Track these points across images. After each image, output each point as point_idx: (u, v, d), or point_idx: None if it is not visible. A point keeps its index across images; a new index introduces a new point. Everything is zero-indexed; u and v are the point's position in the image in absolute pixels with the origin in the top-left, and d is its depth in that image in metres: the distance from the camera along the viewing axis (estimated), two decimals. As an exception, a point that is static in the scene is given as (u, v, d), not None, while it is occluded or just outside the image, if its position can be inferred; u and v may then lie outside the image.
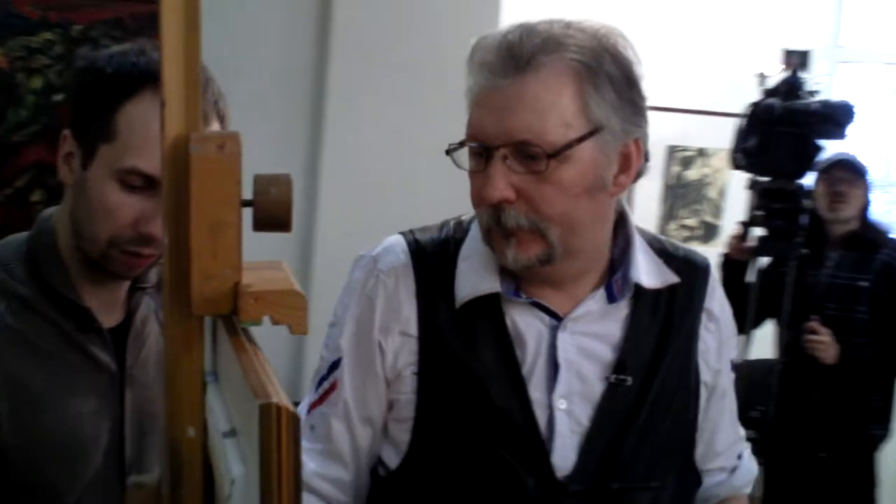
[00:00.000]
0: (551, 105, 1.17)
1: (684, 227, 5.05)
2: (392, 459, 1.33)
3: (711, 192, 5.15)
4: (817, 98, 3.18)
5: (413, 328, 1.31)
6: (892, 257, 3.52)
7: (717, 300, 1.41)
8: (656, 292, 1.33)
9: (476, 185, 1.23)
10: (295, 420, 0.53)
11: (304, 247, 3.29)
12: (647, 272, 1.33)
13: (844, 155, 3.50)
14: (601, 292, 1.32)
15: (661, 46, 4.78)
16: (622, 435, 1.30)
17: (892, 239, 3.60)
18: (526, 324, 1.30)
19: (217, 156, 0.67)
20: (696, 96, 4.61)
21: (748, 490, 1.53)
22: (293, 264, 3.29)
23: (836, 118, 3.10)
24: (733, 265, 3.43)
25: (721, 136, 4.21)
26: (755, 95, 3.52)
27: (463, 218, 1.39)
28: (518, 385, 1.28)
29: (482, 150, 1.20)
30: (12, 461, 1.24)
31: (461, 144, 1.22)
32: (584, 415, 1.29)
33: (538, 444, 1.27)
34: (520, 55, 1.18)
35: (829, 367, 3.35)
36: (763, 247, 3.35)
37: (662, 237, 1.44)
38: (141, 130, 1.21)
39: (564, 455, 1.28)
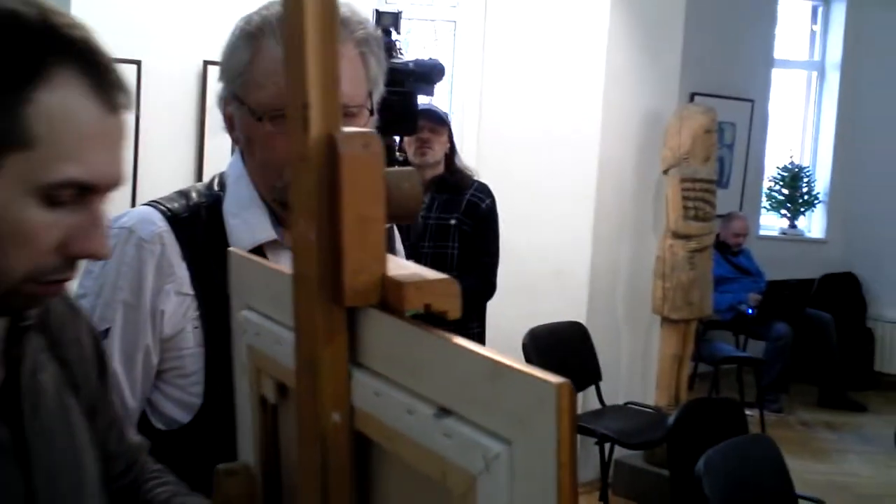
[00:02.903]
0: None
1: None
2: (182, 416, 1.41)
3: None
4: (407, 58, 3.34)
5: (188, 287, 1.40)
6: (476, 197, 3.87)
7: None
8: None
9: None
10: (574, 393, 0.56)
11: None
12: None
13: (425, 105, 3.71)
14: None
15: None
16: None
17: (475, 180, 3.95)
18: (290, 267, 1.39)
19: (364, 154, 0.69)
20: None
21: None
22: None
23: (429, 76, 3.28)
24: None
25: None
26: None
27: (202, 184, 1.52)
28: None
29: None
30: None
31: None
32: None
33: None
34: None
35: None
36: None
37: None
38: (68, 128, 0.91)
39: None
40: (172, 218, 1.43)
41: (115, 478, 1.24)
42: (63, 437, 1.06)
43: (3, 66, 0.89)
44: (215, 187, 1.51)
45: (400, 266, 0.73)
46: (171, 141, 4.57)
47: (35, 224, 0.92)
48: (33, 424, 1.01)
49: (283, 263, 1.39)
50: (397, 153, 3.42)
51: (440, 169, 3.88)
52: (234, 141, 1.50)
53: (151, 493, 1.26)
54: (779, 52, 8.01)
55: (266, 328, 0.90)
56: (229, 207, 1.46)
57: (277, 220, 1.46)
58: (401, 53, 3.33)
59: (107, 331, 1.37)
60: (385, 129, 3.28)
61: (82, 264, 1.04)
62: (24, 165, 0.90)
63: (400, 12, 3.33)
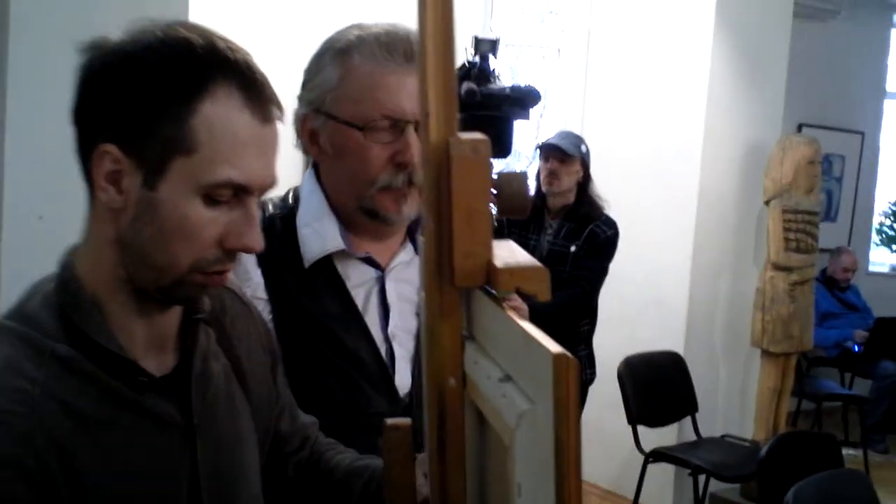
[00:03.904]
0: None
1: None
2: None
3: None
4: (503, 83, 3.41)
5: (262, 292, 1.51)
6: (600, 228, 3.98)
7: None
8: None
9: (386, 151, 1.48)
10: (576, 365, 0.64)
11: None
12: None
13: (556, 139, 4.00)
14: (408, 245, 1.62)
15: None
16: None
17: (604, 214, 4.09)
18: (358, 276, 1.57)
19: (472, 156, 0.80)
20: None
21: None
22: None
23: (524, 101, 3.34)
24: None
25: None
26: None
27: (277, 197, 1.62)
28: (362, 326, 1.54)
29: (395, 123, 1.46)
30: None
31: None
32: (409, 344, 1.58)
33: (385, 371, 1.55)
34: (409, 50, 1.46)
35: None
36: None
37: None
38: (227, 136, 1.03)
39: (402, 377, 1.56)
40: None
41: (291, 454, 1.41)
42: (227, 421, 1.19)
43: (175, 83, 1.02)
44: (290, 200, 1.61)
45: (506, 253, 0.83)
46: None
47: (198, 220, 1.04)
48: (200, 407, 1.14)
49: (350, 272, 1.55)
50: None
51: (570, 198, 4.07)
52: (315, 156, 1.57)
53: (333, 460, 1.42)
54: (891, 84, 7.83)
55: None
56: (303, 218, 1.56)
57: (347, 232, 1.56)
58: (498, 80, 3.40)
59: None
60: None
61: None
62: (188, 168, 1.02)
63: (498, 39, 3.40)
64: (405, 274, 1.59)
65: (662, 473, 4.88)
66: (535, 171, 4.15)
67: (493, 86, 3.31)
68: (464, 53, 3.42)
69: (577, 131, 5.17)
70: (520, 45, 5.90)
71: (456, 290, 0.83)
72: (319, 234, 1.54)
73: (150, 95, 1.02)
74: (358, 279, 1.56)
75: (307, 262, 1.53)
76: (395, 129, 1.47)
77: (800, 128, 6.67)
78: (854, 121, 7.44)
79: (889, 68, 7.78)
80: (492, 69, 3.37)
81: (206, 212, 1.04)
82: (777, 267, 5.10)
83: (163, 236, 1.04)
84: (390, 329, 1.56)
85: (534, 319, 3.09)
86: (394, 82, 1.47)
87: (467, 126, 3.01)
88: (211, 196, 1.04)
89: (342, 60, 1.49)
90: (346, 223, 1.56)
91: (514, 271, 0.78)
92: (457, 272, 0.80)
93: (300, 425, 1.42)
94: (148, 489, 1.07)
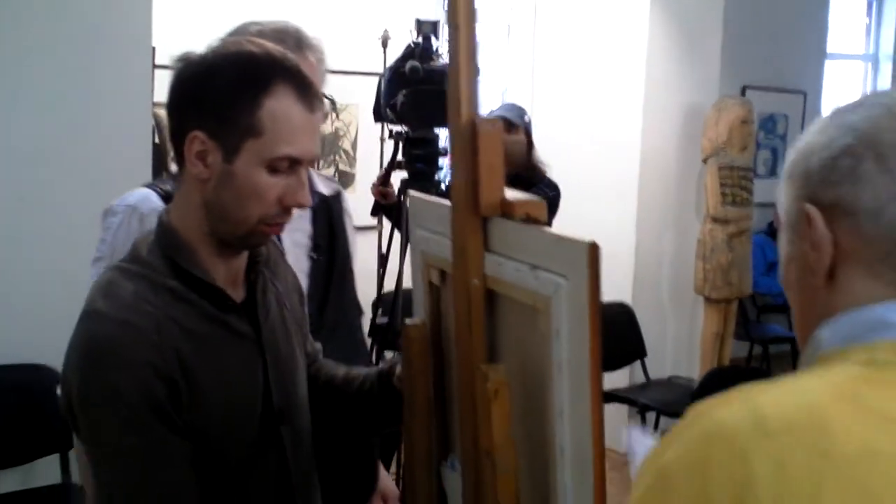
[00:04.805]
0: None
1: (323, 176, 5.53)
2: None
3: (345, 144, 5.66)
4: (445, 60, 3.77)
5: None
6: (542, 190, 4.31)
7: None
8: (324, 198, 2.03)
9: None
10: (600, 249, 1.01)
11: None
12: (322, 185, 2.01)
13: (501, 111, 4.26)
14: None
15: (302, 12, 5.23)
16: (326, 288, 2.16)
17: (546, 177, 4.41)
18: None
19: (491, 129, 1.19)
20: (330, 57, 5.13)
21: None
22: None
23: (463, 77, 3.71)
24: (380, 207, 3.99)
25: (349, 92, 4.73)
26: (378, 58, 4.07)
27: None
28: None
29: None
30: (195, 432, 1.40)
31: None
32: (304, 282, 1.90)
33: None
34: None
35: None
36: (407, 187, 3.88)
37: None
38: (285, 121, 1.40)
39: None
40: (166, 197, 1.86)
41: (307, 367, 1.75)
42: (282, 336, 1.59)
43: (246, 84, 1.40)
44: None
45: (514, 194, 1.21)
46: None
47: (264, 185, 1.41)
48: (265, 326, 1.54)
49: None
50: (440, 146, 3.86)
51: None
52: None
53: (332, 372, 1.79)
54: (831, 45, 8.19)
55: (434, 238, 1.42)
56: None
57: None
58: (440, 58, 3.75)
59: None
60: (423, 121, 3.74)
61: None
62: (257, 147, 1.40)
63: (438, 21, 3.77)
64: (297, 224, 1.94)
65: (617, 413, 5.29)
66: None
67: (434, 63, 3.67)
68: (408, 35, 3.78)
69: (527, 102, 5.56)
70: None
71: (479, 218, 1.21)
72: None
73: (228, 94, 1.39)
74: None
75: None
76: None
77: (744, 90, 7.01)
78: (797, 81, 7.78)
79: (829, 29, 8.12)
80: (434, 48, 3.73)
81: (269, 179, 1.41)
82: (715, 220, 5.52)
83: (238, 198, 1.42)
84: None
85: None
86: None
87: (412, 100, 3.40)
88: (273, 167, 1.40)
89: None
90: None
91: (522, 203, 1.17)
92: (482, 205, 1.19)
93: (312, 348, 1.79)
94: (236, 382, 1.47)
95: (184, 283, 1.44)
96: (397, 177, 3.69)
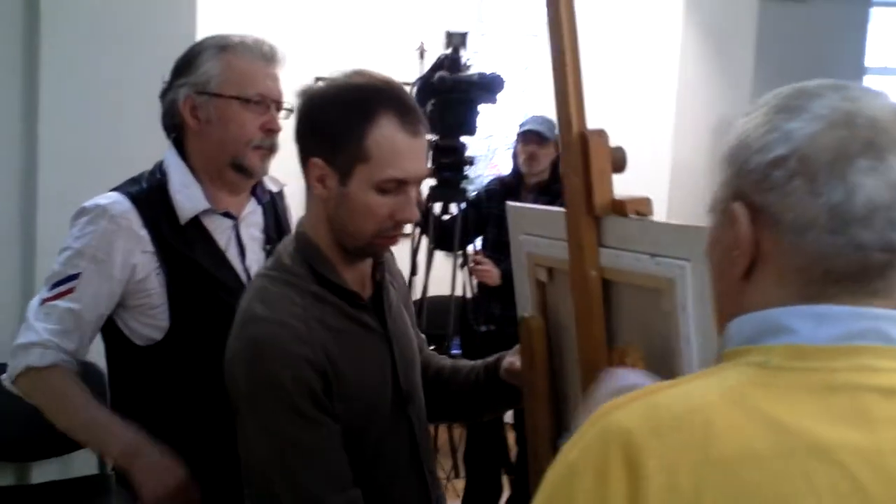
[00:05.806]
0: None
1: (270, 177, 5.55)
2: (156, 335, 1.94)
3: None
4: (473, 71, 3.85)
5: (150, 246, 1.93)
6: None
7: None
8: (273, 194, 2.15)
9: (258, 120, 1.95)
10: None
11: (27, 211, 3.41)
12: (271, 183, 2.14)
13: (534, 124, 4.29)
14: (252, 199, 2.09)
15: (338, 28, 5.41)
16: None
17: None
18: (219, 226, 2.01)
19: (599, 139, 1.39)
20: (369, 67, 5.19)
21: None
22: (14, 229, 3.40)
23: (490, 87, 3.79)
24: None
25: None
26: (416, 68, 4.12)
27: (146, 172, 2.02)
28: (227, 263, 1.99)
29: (264, 100, 1.94)
30: (343, 414, 1.58)
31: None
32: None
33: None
34: (269, 52, 2.00)
35: (499, 287, 4.10)
36: (434, 194, 4.03)
37: None
38: (389, 147, 1.55)
39: None
40: (133, 198, 1.95)
41: None
42: (403, 329, 1.78)
43: (353, 116, 1.55)
44: (157, 174, 2.01)
45: (623, 194, 1.37)
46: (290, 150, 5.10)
47: (374, 204, 1.57)
48: (389, 320, 1.72)
49: (214, 224, 2.00)
50: (466, 155, 3.95)
51: (545, 176, 4.33)
52: (193, 127, 1.98)
53: (440, 363, 1.98)
54: (872, 59, 7.87)
55: (541, 241, 1.61)
56: (174, 186, 1.97)
57: (208, 193, 1.98)
58: (468, 69, 3.83)
59: (78, 274, 1.91)
60: (451, 130, 3.82)
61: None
62: (366, 172, 1.56)
63: (467, 33, 3.86)
64: (252, 220, 2.07)
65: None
66: (512, 152, 4.45)
67: (461, 74, 3.76)
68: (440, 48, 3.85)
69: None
70: (506, 30, 6.28)
71: (593, 217, 1.38)
72: (189, 198, 1.96)
73: (338, 125, 1.56)
74: (220, 228, 2.00)
75: (182, 220, 1.95)
76: (263, 105, 1.95)
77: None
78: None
79: (867, 47, 7.78)
80: (463, 60, 3.81)
81: (379, 199, 1.57)
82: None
83: (354, 216, 1.59)
84: (247, 262, 2.02)
85: (505, 281, 3.68)
86: (262, 72, 1.97)
87: (440, 109, 3.48)
88: (381, 188, 1.56)
89: (224, 55, 1.96)
90: (209, 185, 1.99)
91: (632, 201, 1.35)
92: (596, 206, 1.36)
93: (420, 339, 1.94)
94: (371, 371, 1.66)
95: (323, 286, 1.63)
96: (424, 185, 3.72)
